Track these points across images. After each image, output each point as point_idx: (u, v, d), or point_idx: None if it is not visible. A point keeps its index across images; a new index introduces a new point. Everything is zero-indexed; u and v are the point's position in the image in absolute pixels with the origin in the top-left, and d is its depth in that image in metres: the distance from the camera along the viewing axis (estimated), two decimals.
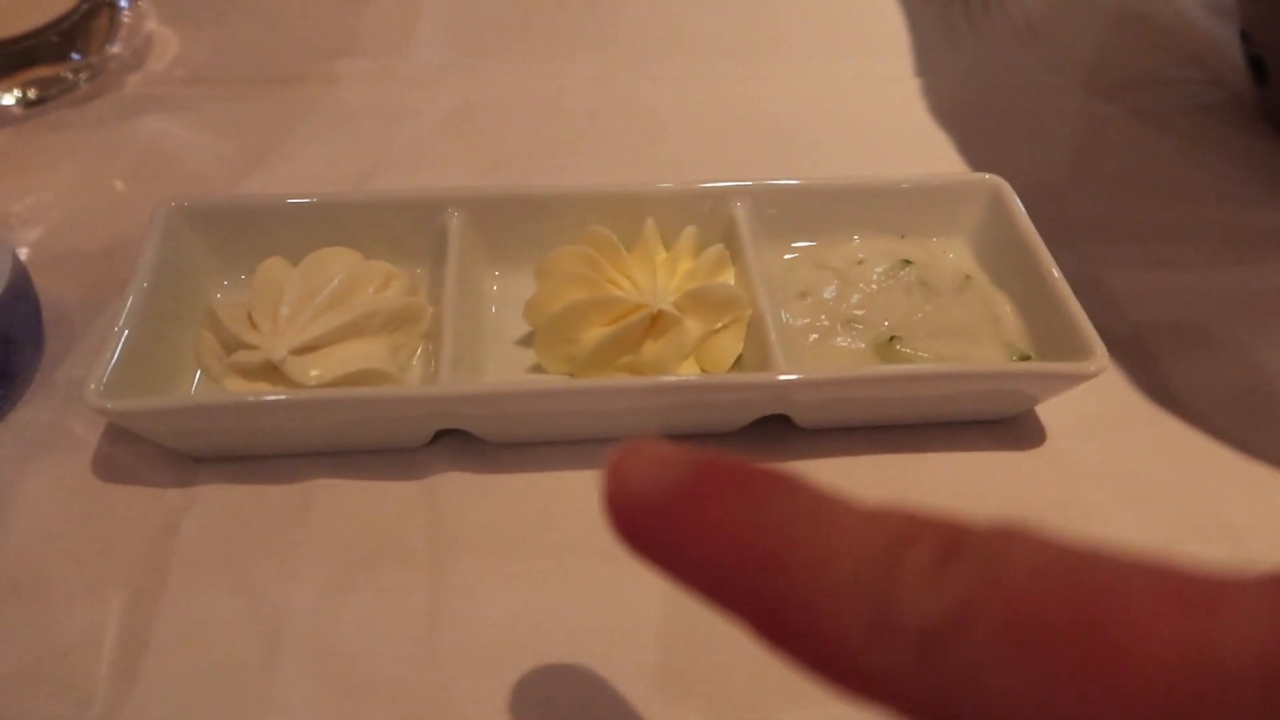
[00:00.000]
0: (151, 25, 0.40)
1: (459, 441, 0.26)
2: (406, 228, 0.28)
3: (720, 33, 0.42)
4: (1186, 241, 0.33)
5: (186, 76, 0.39)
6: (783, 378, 0.24)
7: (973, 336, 0.27)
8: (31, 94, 0.36)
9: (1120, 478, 0.26)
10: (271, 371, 0.25)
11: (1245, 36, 0.37)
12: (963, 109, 0.39)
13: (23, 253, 0.30)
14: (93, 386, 0.23)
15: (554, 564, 0.24)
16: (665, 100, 0.38)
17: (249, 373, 0.25)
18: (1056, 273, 0.27)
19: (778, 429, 0.26)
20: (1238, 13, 0.38)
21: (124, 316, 0.25)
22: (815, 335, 0.27)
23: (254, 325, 0.25)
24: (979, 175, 0.30)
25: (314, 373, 0.24)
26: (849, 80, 0.40)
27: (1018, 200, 0.29)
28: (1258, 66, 0.37)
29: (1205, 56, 0.42)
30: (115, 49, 0.38)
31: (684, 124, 0.37)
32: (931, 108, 0.38)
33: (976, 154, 0.37)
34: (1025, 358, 0.27)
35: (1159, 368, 0.29)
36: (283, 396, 0.23)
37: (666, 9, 0.43)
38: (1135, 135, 0.38)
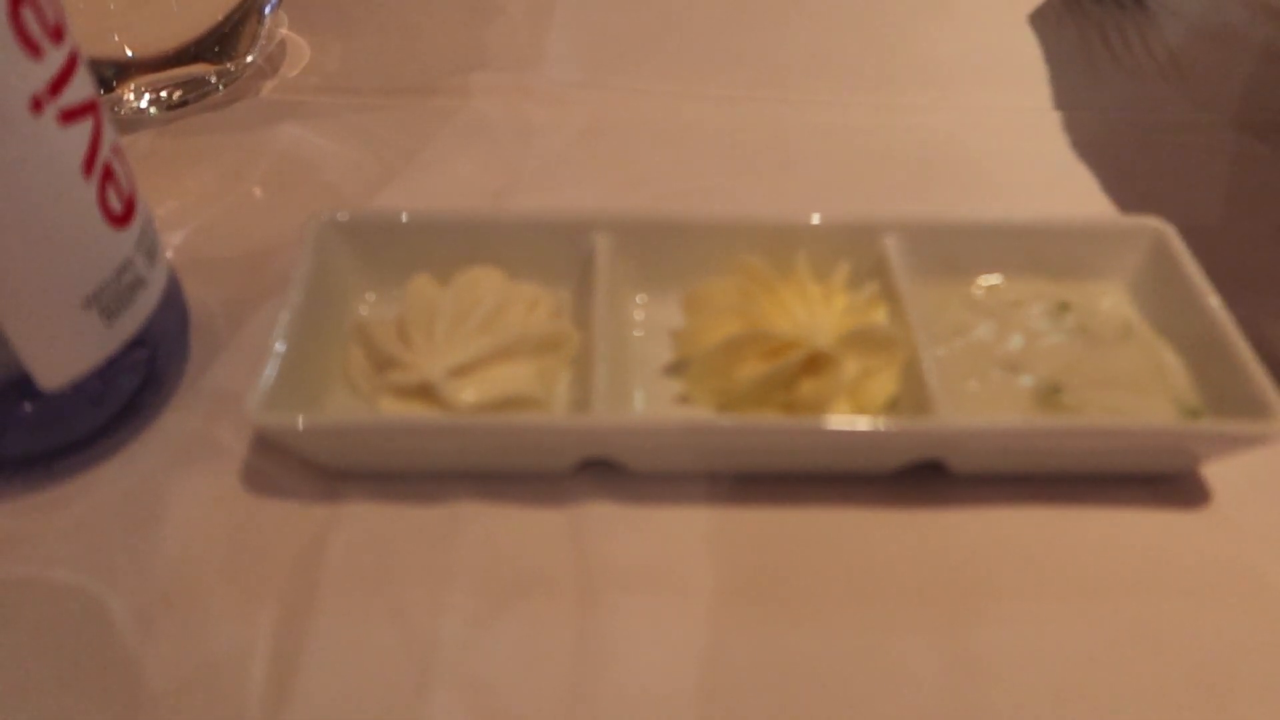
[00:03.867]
0: (284, 32, 0.41)
1: (603, 470, 0.25)
2: (552, 249, 0.28)
3: (855, 59, 0.41)
4: None
5: (320, 85, 0.39)
6: (951, 425, 0.23)
7: (1139, 389, 0.26)
8: (173, 97, 0.36)
9: None
10: (426, 392, 0.24)
11: None
12: (1106, 145, 0.37)
13: (168, 255, 0.30)
14: (252, 401, 0.23)
15: (701, 604, 0.23)
16: (801, 125, 0.38)
17: (403, 392, 0.24)
18: (1230, 323, 0.26)
19: (929, 474, 0.25)
20: None
21: (281, 330, 0.25)
22: (972, 379, 0.26)
23: (407, 344, 0.25)
24: (1139, 218, 0.29)
25: (469, 396, 0.24)
26: (987, 112, 0.39)
27: (1183, 245, 0.28)
28: None
29: None
30: (252, 56, 0.38)
31: (818, 150, 0.36)
32: (1073, 143, 0.37)
33: (1121, 193, 0.35)
34: (1195, 413, 0.26)
35: None
36: (445, 421, 0.23)
37: (802, 32, 0.43)
38: None
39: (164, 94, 0.36)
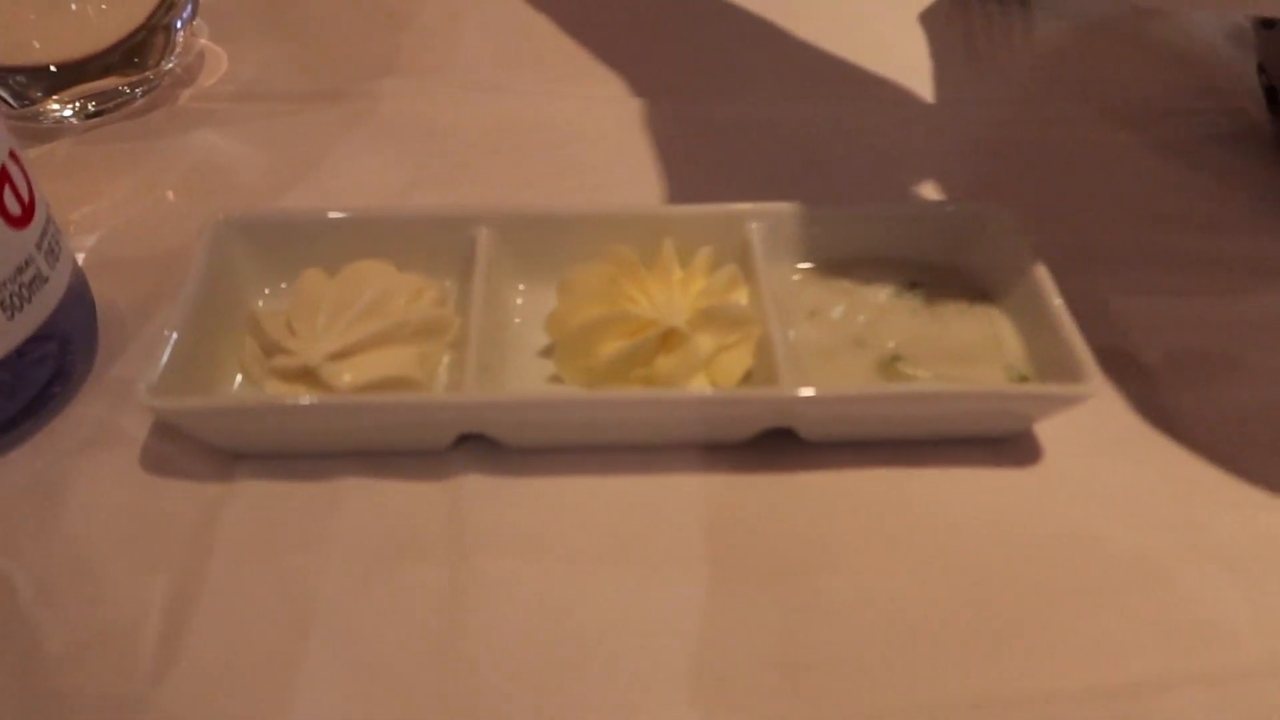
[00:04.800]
0: (203, 42, 0.43)
1: (479, 445, 0.27)
2: (437, 242, 0.30)
3: (750, 60, 0.44)
4: (1196, 269, 0.34)
5: (236, 92, 0.41)
6: (788, 394, 0.26)
7: (974, 358, 0.28)
8: (91, 106, 0.38)
9: (1114, 497, 0.27)
10: (308, 375, 0.26)
11: (1262, 69, 0.38)
12: (983, 136, 0.40)
13: (80, 258, 0.32)
14: (144, 386, 0.25)
15: (566, 564, 0.25)
16: (688, 122, 0.40)
17: (287, 376, 0.26)
18: (1056, 298, 0.28)
19: (783, 441, 0.28)
20: (1254, 44, 0.39)
21: (175, 322, 0.26)
22: (823, 353, 0.28)
23: (293, 332, 0.27)
24: (985, 204, 0.31)
25: (347, 378, 0.26)
26: (871, 108, 0.41)
27: (1019, 228, 0.30)
28: (1272, 98, 0.38)
29: (1224, 87, 0.42)
30: (169, 65, 0.40)
31: (706, 146, 0.39)
32: (952, 136, 0.40)
33: (994, 182, 0.38)
34: (1024, 379, 0.28)
35: (1160, 391, 0.30)
36: (318, 400, 0.25)
37: (701, 36, 0.45)
38: (1152, 165, 0.39)
39: (82, 104, 0.37)
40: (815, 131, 0.39)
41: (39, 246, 0.27)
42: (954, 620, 0.24)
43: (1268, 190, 0.37)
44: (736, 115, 0.40)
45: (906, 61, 0.44)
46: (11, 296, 0.26)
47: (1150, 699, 0.23)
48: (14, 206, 0.26)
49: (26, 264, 0.26)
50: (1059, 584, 0.25)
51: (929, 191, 0.37)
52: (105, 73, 0.37)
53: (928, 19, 0.47)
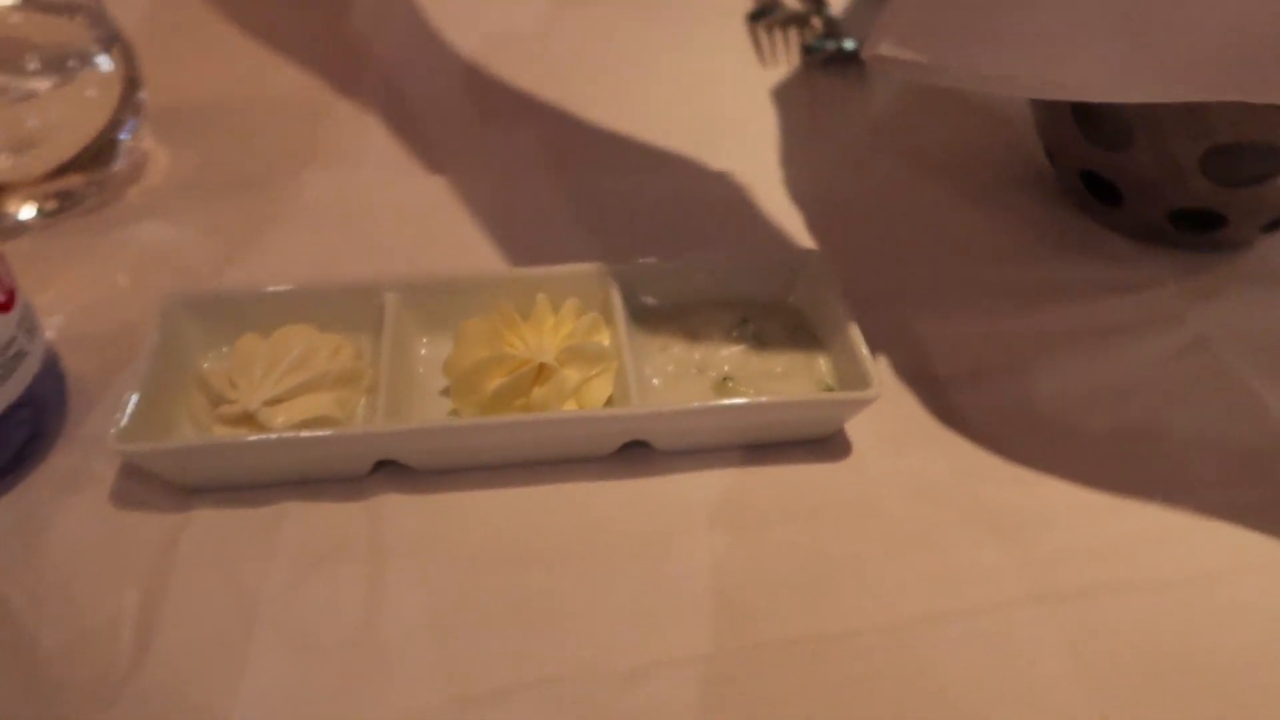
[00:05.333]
0: (148, 144, 0.49)
1: (393, 470, 0.33)
2: (353, 307, 0.36)
3: (624, 132, 0.51)
4: (988, 295, 0.42)
5: (177, 186, 0.47)
6: (639, 411, 0.32)
7: (792, 377, 0.35)
8: (50, 206, 0.44)
9: (907, 481, 0.34)
10: (248, 420, 0.32)
11: (1038, 129, 0.46)
12: (817, 193, 0.47)
13: (49, 335, 0.38)
14: (114, 434, 0.30)
15: (466, 562, 0.31)
16: (565, 194, 0.47)
17: (231, 421, 0.32)
18: (853, 324, 0.35)
19: (640, 452, 0.34)
20: (1032, 110, 0.47)
21: (136, 382, 0.32)
22: (668, 379, 0.35)
23: (234, 385, 0.33)
24: (805, 250, 0.38)
25: (280, 419, 0.32)
26: (719, 173, 0.48)
27: (831, 270, 0.37)
28: (1048, 153, 0.46)
29: (1021, 141, 0.50)
30: (117, 167, 0.46)
31: (577, 214, 0.45)
32: (790, 194, 0.47)
33: (823, 231, 0.45)
34: (829, 390, 0.35)
35: (950, 394, 0.37)
36: (258, 438, 0.31)
37: (581, 113, 0.52)
38: (958, 209, 0.47)
39: (42, 205, 0.43)
40: (671, 195, 0.46)
41: (20, 326, 0.32)
42: (777, 580, 0.31)
43: (1050, 226, 0.45)
44: (606, 186, 0.47)
45: (759, 132, 0.51)
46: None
47: (927, 629, 0.30)
48: (1, 295, 0.31)
49: (11, 342, 0.32)
50: (861, 549, 0.32)
51: (768, 241, 0.44)
52: (64, 176, 0.43)
53: (777, 93, 0.54)
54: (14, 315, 0.32)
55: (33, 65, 0.43)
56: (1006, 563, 0.32)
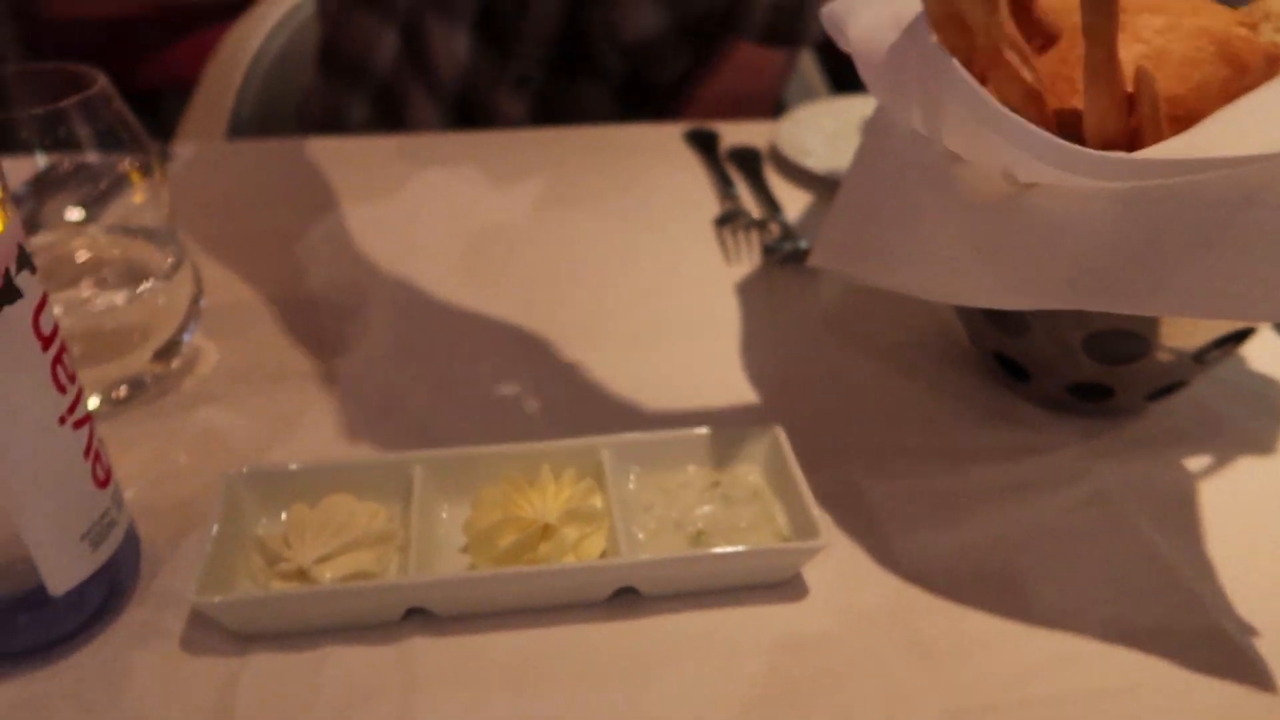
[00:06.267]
0: (199, 341, 0.57)
1: (421, 617, 0.40)
2: (385, 478, 0.43)
3: (604, 322, 0.59)
4: (920, 456, 0.49)
5: (225, 377, 0.54)
6: (628, 561, 0.39)
7: (754, 530, 0.42)
8: (120, 396, 0.51)
9: (855, 617, 0.41)
10: (301, 574, 0.39)
11: (958, 316, 0.55)
12: (776, 373, 0.55)
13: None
14: (193, 587, 0.37)
15: (486, 693, 0.37)
16: (559, 373, 0.55)
17: (286, 577, 0.39)
18: (804, 485, 0.42)
19: (630, 598, 0.40)
20: None
21: (207, 543, 0.39)
22: (651, 535, 0.42)
23: (288, 545, 0.40)
24: (766, 425, 0.46)
25: (328, 575, 0.39)
26: (693, 356, 0.56)
27: (786, 439, 0.45)
28: (968, 336, 0.55)
29: (949, 327, 0.59)
30: (176, 363, 0.54)
31: (578, 394, 0.53)
32: (750, 376, 0.55)
33: (783, 404, 0.53)
34: (786, 541, 0.42)
35: (891, 541, 0.44)
36: (313, 588, 0.37)
37: (564, 308, 0.61)
38: (894, 386, 0.55)
39: (113, 394, 0.51)
40: (650, 375, 0.54)
41: (112, 499, 0.39)
42: (746, 704, 0.37)
43: (973, 397, 0.53)
44: (595, 367, 0.55)
45: (724, 320, 0.60)
46: (97, 534, 0.38)
47: None
48: (101, 474, 0.38)
49: (106, 512, 0.38)
50: (817, 676, 0.38)
51: (734, 414, 0.52)
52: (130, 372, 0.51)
53: (740, 288, 0.63)
54: (109, 490, 0.39)
55: (114, 278, 0.51)
56: (930, 684, 0.38)
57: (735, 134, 0.84)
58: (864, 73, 0.44)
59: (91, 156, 0.50)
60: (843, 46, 0.49)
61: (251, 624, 0.38)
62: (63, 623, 0.39)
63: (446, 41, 0.93)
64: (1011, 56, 0.39)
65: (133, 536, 0.42)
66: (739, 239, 0.69)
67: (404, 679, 0.38)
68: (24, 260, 0.34)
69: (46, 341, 0.35)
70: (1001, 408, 0.53)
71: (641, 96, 0.96)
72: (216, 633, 0.39)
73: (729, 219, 0.70)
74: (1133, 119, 0.40)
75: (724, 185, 0.75)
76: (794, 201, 0.74)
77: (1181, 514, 0.46)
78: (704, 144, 0.82)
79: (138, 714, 0.36)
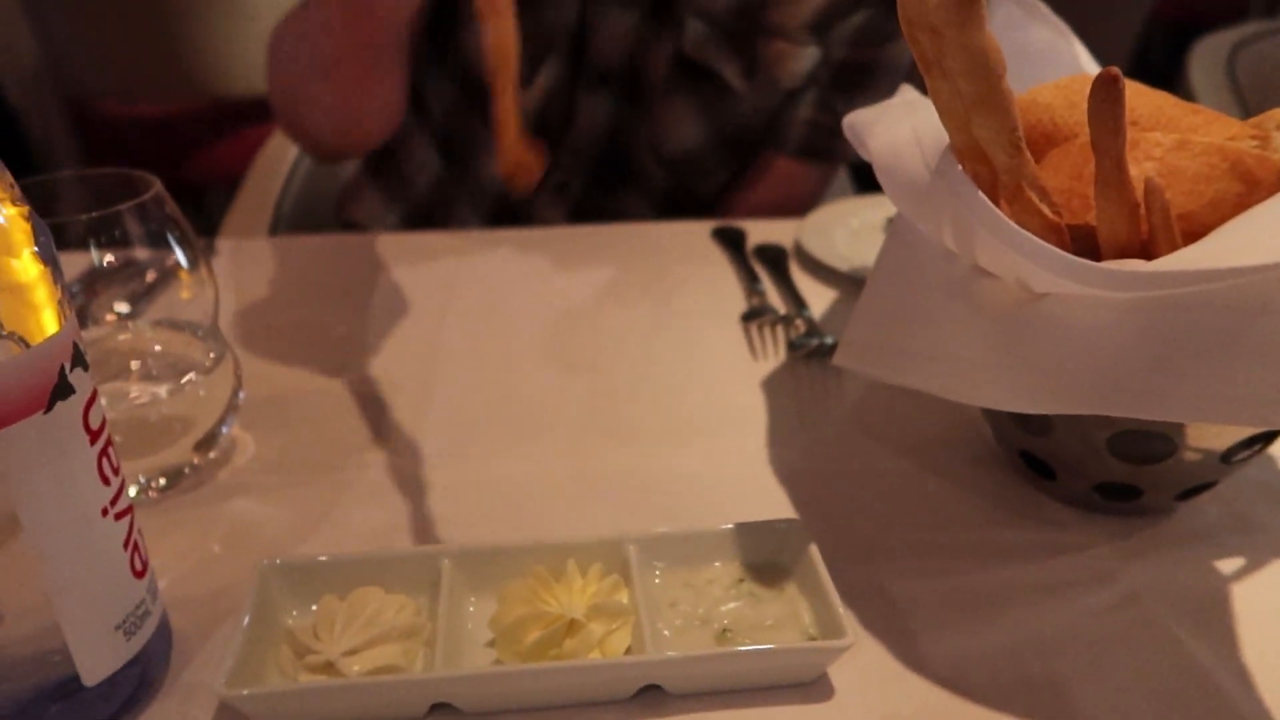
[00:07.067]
0: (236, 432, 0.58)
1: (446, 713, 0.40)
2: (414, 571, 0.44)
3: (635, 419, 0.60)
4: (947, 555, 0.49)
5: (260, 468, 0.56)
6: (654, 659, 0.39)
7: (780, 628, 0.42)
8: (159, 484, 0.52)
9: (881, 717, 0.40)
10: (329, 667, 0.39)
11: (983, 415, 0.55)
12: (802, 469, 0.56)
13: None
14: (221, 679, 0.37)
15: None
16: (587, 469, 0.55)
17: (315, 669, 0.39)
18: (830, 584, 0.42)
19: (655, 695, 0.40)
20: None
21: (239, 635, 0.39)
22: (677, 632, 0.42)
23: (317, 638, 0.40)
24: (791, 520, 0.46)
25: (356, 667, 0.39)
26: (719, 451, 0.57)
27: (810, 536, 0.45)
28: (994, 436, 0.55)
29: (974, 424, 0.59)
30: (213, 454, 0.55)
31: (607, 488, 0.54)
32: (777, 472, 0.55)
33: (808, 500, 0.53)
34: (813, 639, 0.41)
35: (920, 643, 0.44)
36: (341, 682, 0.38)
37: (603, 401, 0.62)
38: (921, 483, 0.55)
39: (152, 484, 0.52)
40: (677, 469, 0.55)
41: (148, 590, 0.40)
42: None
43: (1000, 496, 0.53)
44: (621, 462, 0.56)
45: (751, 415, 0.61)
46: (131, 624, 0.39)
47: None
48: (139, 564, 0.39)
49: (141, 603, 0.39)
50: None
51: (759, 510, 0.52)
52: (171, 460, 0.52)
53: (766, 383, 0.64)
54: (145, 580, 0.40)
55: (157, 371, 0.53)
56: None
57: (761, 232, 0.86)
58: (885, 184, 0.46)
59: (140, 253, 0.52)
60: (864, 155, 0.51)
61: (279, 717, 0.39)
62: (93, 712, 0.39)
63: (492, 157, 0.96)
64: (1031, 195, 0.41)
65: (165, 627, 0.42)
66: (765, 335, 0.70)
67: None
68: (78, 358, 0.36)
69: (94, 435, 0.37)
70: (1029, 506, 0.52)
71: (679, 206, 0.99)
72: None
73: (755, 315, 0.72)
74: (1144, 229, 0.41)
75: (750, 282, 0.77)
76: (819, 298, 0.75)
77: (1215, 617, 0.45)
78: (731, 241, 0.84)
79: None
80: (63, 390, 0.35)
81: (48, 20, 1.84)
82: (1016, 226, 0.37)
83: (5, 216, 0.33)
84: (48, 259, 0.35)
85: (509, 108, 0.45)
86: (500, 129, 0.45)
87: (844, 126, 0.53)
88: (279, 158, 1.15)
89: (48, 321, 0.34)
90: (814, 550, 0.44)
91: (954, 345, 0.41)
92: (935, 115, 0.47)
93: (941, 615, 0.45)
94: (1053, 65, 0.58)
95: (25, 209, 0.34)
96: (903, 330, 0.45)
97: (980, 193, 0.38)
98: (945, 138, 0.43)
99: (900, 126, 0.47)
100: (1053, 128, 0.49)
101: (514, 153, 0.44)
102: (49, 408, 0.34)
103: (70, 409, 0.35)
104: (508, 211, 0.99)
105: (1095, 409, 0.37)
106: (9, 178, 0.35)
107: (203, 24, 1.84)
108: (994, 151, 0.40)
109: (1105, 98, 0.37)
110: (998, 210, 0.37)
